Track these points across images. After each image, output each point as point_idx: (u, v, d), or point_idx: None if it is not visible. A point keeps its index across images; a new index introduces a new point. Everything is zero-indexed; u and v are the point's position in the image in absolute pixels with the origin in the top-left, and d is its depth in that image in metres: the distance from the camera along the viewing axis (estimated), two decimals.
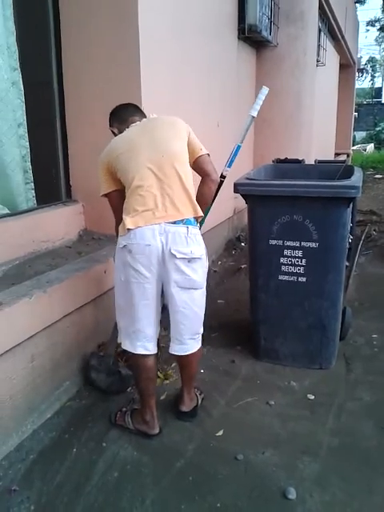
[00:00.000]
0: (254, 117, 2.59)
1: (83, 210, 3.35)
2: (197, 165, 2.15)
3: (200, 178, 2.19)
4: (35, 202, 3.09)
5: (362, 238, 5.55)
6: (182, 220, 2.02)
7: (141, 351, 2.15)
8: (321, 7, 6.88)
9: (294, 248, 2.66)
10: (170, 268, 2.03)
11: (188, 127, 2.16)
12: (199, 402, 2.46)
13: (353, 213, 2.81)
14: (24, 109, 2.93)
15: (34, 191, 3.08)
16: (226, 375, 2.78)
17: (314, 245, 2.61)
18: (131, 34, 2.93)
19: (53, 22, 3.13)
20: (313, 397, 2.56)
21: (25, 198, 3.02)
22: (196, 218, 2.10)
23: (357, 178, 2.65)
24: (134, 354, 2.17)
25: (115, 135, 2.22)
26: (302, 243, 2.63)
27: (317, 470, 2.05)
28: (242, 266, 4.59)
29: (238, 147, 2.59)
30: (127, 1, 2.89)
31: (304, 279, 2.68)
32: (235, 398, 2.55)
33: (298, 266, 2.67)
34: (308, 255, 2.64)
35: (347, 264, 2.85)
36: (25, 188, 3.02)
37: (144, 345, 2.15)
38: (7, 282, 2.39)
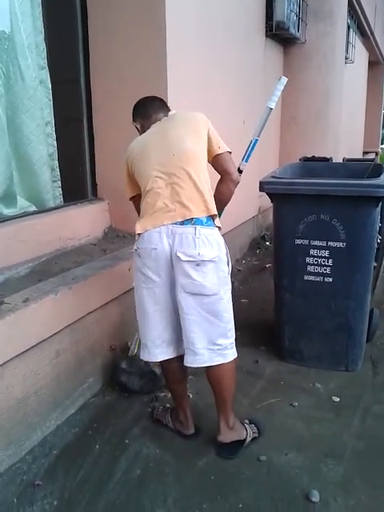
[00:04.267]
0: (271, 109, 2.49)
1: (108, 207, 3.37)
2: (215, 163, 2.06)
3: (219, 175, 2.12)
4: (62, 199, 3.12)
5: None
6: (191, 219, 1.91)
7: (162, 358, 2.10)
8: (350, 4, 6.77)
9: (320, 248, 2.62)
10: (178, 271, 1.92)
11: (208, 123, 2.05)
12: (247, 436, 2.13)
13: (381, 212, 2.75)
14: (52, 107, 2.96)
15: (60, 189, 3.11)
16: (249, 375, 2.76)
17: (341, 245, 2.56)
18: (158, 33, 2.93)
19: (81, 21, 3.15)
20: (338, 399, 2.52)
21: (52, 196, 3.05)
22: (211, 217, 1.96)
23: None
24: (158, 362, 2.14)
25: (138, 131, 2.18)
26: (329, 243, 2.59)
27: (341, 473, 2.02)
28: (267, 266, 4.55)
29: (255, 141, 2.51)
30: (155, 1, 2.88)
31: (330, 279, 2.64)
32: (259, 399, 2.53)
33: (325, 266, 2.63)
34: (335, 255, 2.59)
35: (375, 264, 2.80)
36: (52, 186, 3.05)
37: (164, 351, 2.08)
38: (34, 279, 2.42)
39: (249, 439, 2.13)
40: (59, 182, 3.09)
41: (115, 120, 3.17)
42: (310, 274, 2.68)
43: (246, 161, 2.51)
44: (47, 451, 2.15)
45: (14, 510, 1.84)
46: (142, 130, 2.14)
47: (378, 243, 2.76)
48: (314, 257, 2.65)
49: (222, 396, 2.09)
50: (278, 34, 5.17)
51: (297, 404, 2.48)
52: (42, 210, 2.93)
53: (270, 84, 5.17)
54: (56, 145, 3.02)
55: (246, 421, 2.22)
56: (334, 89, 5.92)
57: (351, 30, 7.98)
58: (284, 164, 3.62)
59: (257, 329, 3.32)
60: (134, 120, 2.21)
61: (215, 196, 2.05)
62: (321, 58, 5.69)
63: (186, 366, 2.10)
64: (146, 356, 2.12)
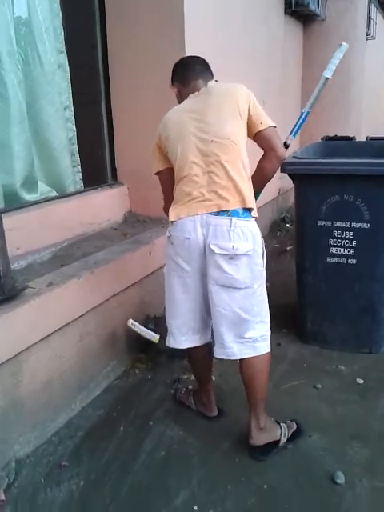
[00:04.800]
0: (327, 78, 2.32)
1: (128, 192, 3.36)
2: (258, 139, 1.90)
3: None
4: (82, 184, 3.12)
5: None
6: (227, 211, 1.82)
7: (187, 345, 2.07)
8: None
9: (343, 229, 2.57)
10: (210, 263, 1.86)
11: (249, 96, 1.89)
12: (282, 436, 2.03)
13: None
14: (70, 91, 2.94)
15: (80, 174, 3.11)
16: (272, 358, 2.74)
17: (365, 225, 2.51)
18: (176, 14, 2.88)
19: (98, 4, 3.11)
20: (362, 381, 2.50)
21: (72, 181, 3.05)
22: (247, 210, 1.86)
23: None
24: (182, 350, 2.11)
25: (176, 97, 2.03)
26: (353, 224, 2.54)
27: (367, 455, 2.01)
28: (288, 248, 4.50)
29: (307, 114, 2.38)
30: None
31: (354, 261, 2.60)
32: (282, 381, 2.52)
33: (348, 247, 2.59)
34: (359, 236, 2.55)
35: None
36: (72, 171, 3.05)
37: (190, 338, 2.06)
38: (56, 263, 2.44)
39: (284, 439, 2.03)
40: (79, 167, 3.09)
41: (134, 104, 3.15)
42: (333, 255, 2.64)
43: (295, 135, 2.38)
44: (73, 433, 2.18)
45: (41, 491, 1.87)
46: (179, 96, 2.02)
47: None
48: (337, 238, 2.60)
49: (254, 395, 2.00)
50: (298, 11, 5.04)
51: (320, 386, 2.47)
52: (63, 195, 2.94)
53: (288, 62, 5.08)
54: (75, 129, 3.01)
55: (288, 421, 2.12)
56: (355, 66, 5.77)
57: (372, 5, 7.74)
58: (306, 144, 3.55)
59: (278, 312, 3.25)
60: (171, 82, 2.06)
61: (257, 172, 1.97)
62: (341, 35, 5.53)
63: (210, 349, 2.09)
64: (171, 342, 2.10)
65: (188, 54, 2.97)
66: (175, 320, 2.05)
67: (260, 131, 1.88)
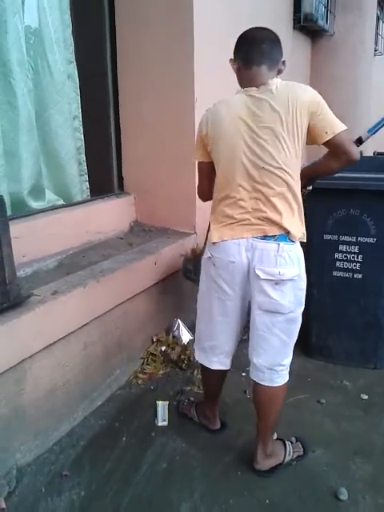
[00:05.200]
0: None
1: (134, 201, 3.37)
2: (328, 146, 1.75)
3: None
4: (89, 193, 3.13)
5: None
6: (274, 236, 1.73)
7: (217, 367, 2.04)
8: None
9: (350, 243, 2.57)
10: (254, 288, 1.79)
11: (313, 106, 1.67)
12: (285, 457, 2.02)
13: None
14: (79, 101, 2.97)
15: (87, 183, 3.12)
16: None
17: (371, 240, 2.52)
18: (185, 27, 2.91)
19: (108, 15, 3.15)
20: (366, 397, 2.48)
21: (79, 190, 3.07)
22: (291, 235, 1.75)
23: None
24: (206, 368, 2.08)
25: (235, 73, 1.83)
26: (359, 238, 2.54)
27: (370, 471, 1.99)
28: None
29: None
30: None
31: (360, 276, 2.60)
32: (286, 395, 2.48)
33: (354, 262, 2.59)
34: (365, 251, 2.55)
35: None
36: (79, 180, 3.06)
37: (221, 360, 2.03)
38: (63, 272, 2.44)
39: (288, 459, 2.02)
40: (86, 176, 3.10)
41: (142, 114, 3.17)
42: (339, 269, 2.64)
43: (372, 132, 2.35)
44: (75, 442, 2.17)
45: (42, 500, 1.86)
46: (239, 75, 1.82)
47: None
48: (343, 252, 2.60)
49: (266, 422, 1.96)
50: (306, 27, 5.08)
51: (324, 401, 2.45)
52: (70, 203, 2.95)
53: (296, 77, 5.11)
54: (83, 139, 3.03)
55: (293, 439, 2.12)
56: (363, 82, 5.80)
57: (380, 22, 7.80)
58: (312, 157, 3.55)
59: None
60: (233, 57, 1.84)
61: (322, 166, 1.87)
62: (349, 51, 5.58)
63: (226, 373, 2.10)
64: (202, 359, 2.07)
65: (197, 64, 3.00)
66: (210, 341, 2.01)
67: (327, 141, 1.71)
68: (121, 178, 3.40)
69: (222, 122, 1.77)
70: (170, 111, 3.07)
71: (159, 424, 2.29)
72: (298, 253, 1.79)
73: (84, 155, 3.06)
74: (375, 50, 7.10)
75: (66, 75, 2.87)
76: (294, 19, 4.88)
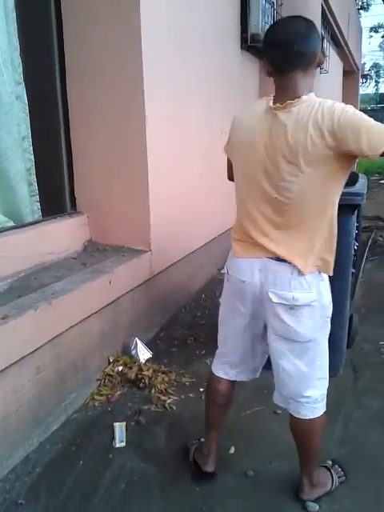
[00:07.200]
0: None
1: (88, 220, 3.36)
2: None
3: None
4: (40, 214, 3.10)
5: (368, 244, 5.53)
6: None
7: (219, 374, 1.95)
8: (323, 15, 6.91)
9: None
10: (268, 311, 1.68)
11: (343, 118, 1.45)
12: (333, 485, 1.95)
13: (358, 220, 2.80)
14: (28, 122, 2.95)
15: (38, 203, 3.09)
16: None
17: None
18: (134, 45, 2.95)
19: (56, 36, 3.16)
20: None
21: (30, 211, 3.03)
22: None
23: (361, 184, 2.64)
24: (211, 373, 1.99)
25: (267, 75, 1.66)
26: None
27: None
28: None
29: None
30: (129, 14, 2.91)
31: None
32: (243, 407, 2.54)
33: None
34: None
35: (353, 271, 2.84)
36: (30, 200, 3.03)
37: (225, 370, 1.93)
38: (13, 295, 2.40)
39: (334, 487, 1.95)
40: (37, 197, 3.07)
41: (93, 133, 3.18)
42: None
43: None
44: (30, 469, 2.12)
45: None
46: (272, 77, 1.64)
47: (354, 250, 2.80)
48: None
49: (307, 454, 1.87)
50: (254, 46, 5.23)
51: (280, 412, 2.48)
52: (20, 225, 2.91)
53: (247, 96, 5.24)
54: (33, 159, 3.01)
55: (329, 462, 2.05)
56: None
57: (325, 41, 8.13)
58: None
59: None
60: (264, 56, 1.67)
61: None
62: None
63: (232, 393, 2.02)
64: (212, 367, 2.00)
65: (147, 83, 3.04)
66: (220, 349, 1.96)
67: (370, 155, 1.47)
68: (73, 198, 3.38)
69: (244, 134, 1.67)
70: (121, 129, 3.10)
71: (117, 445, 2.27)
72: (313, 277, 1.63)
73: (34, 176, 3.03)
74: (321, 69, 7.37)
75: (15, 96, 2.86)
76: (241, 39, 5.01)
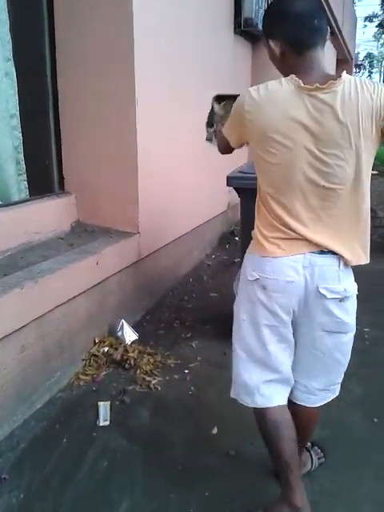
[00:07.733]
0: None
1: (76, 201, 3.34)
2: None
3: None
4: (28, 193, 3.08)
5: None
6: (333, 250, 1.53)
7: (278, 402, 1.69)
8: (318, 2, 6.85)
9: None
10: (316, 309, 1.58)
11: None
12: (312, 465, 1.98)
13: None
14: (17, 99, 2.91)
15: (26, 182, 3.07)
16: (218, 367, 2.78)
17: None
18: (125, 26, 2.92)
19: (47, 12, 3.11)
20: None
21: (17, 190, 3.01)
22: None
23: None
24: (267, 408, 1.70)
25: (271, 56, 1.56)
26: None
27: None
28: (236, 260, 4.58)
29: None
30: None
31: None
32: (226, 389, 2.53)
33: None
34: None
35: None
36: (17, 179, 3.00)
37: (281, 392, 1.70)
38: None
39: (313, 466, 1.98)
40: (25, 176, 3.04)
41: (82, 113, 3.15)
42: None
43: None
44: (14, 445, 2.14)
45: None
46: (280, 61, 1.54)
47: None
48: None
49: (304, 438, 1.84)
50: (247, 31, 5.20)
51: None
52: (8, 203, 2.88)
53: (239, 80, 5.22)
54: (22, 138, 2.98)
55: (309, 444, 2.03)
56: None
57: None
58: (251, 160, 3.65)
59: (225, 322, 3.30)
60: (270, 36, 1.51)
61: None
62: None
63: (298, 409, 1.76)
64: (259, 401, 1.70)
65: (138, 65, 3.01)
66: (269, 374, 1.68)
67: None
68: (61, 178, 3.36)
69: (272, 121, 1.45)
70: (111, 109, 3.07)
71: (101, 424, 2.29)
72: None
73: (22, 154, 3.00)
74: None
75: (4, 73, 2.82)
76: (234, 24, 4.98)
